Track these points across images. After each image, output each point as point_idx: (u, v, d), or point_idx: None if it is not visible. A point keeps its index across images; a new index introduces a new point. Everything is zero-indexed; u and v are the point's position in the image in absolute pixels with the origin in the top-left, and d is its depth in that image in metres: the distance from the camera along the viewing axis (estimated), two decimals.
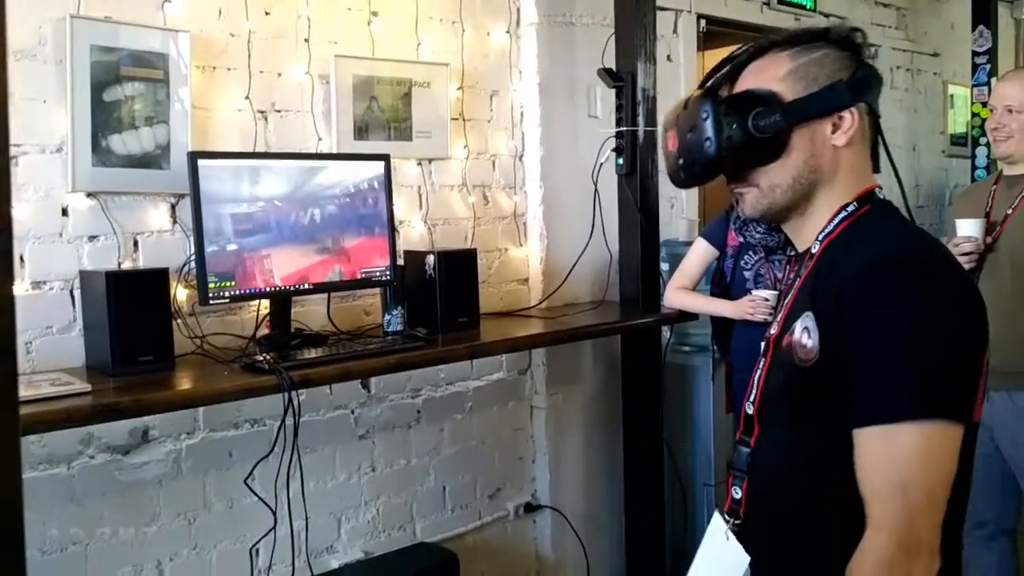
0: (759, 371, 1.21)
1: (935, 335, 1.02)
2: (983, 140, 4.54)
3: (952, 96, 5.04)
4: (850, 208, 1.15)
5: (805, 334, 1.10)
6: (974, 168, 4.74)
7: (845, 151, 1.15)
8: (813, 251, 1.16)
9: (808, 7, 3.90)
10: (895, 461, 0.99)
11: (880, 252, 1.08)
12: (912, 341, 1.01)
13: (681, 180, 1.22)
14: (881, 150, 1.21)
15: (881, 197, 1.18)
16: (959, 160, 5.03)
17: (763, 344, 1.22)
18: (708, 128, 1.15)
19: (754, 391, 1.21)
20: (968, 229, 2.51)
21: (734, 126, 1.14)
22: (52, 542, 2.06)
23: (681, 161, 1.19)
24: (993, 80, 4.47)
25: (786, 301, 1.21)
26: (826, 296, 1.09)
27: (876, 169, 1.20)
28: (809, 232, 1.19)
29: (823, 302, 1.09)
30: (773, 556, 1.16)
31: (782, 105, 1.13)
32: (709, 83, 1.21)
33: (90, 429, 2.08)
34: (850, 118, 1.13)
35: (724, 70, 1.21)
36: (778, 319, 1.20)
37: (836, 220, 1.15)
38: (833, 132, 1.14)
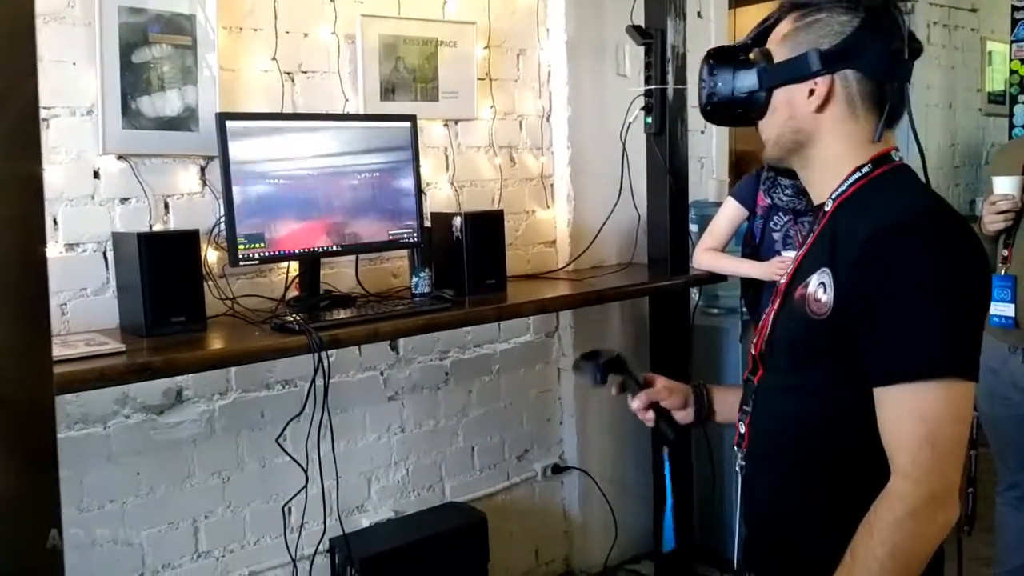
0: (767, 316, 1.29)
1: (956, 296, 1.07)
2: (1021, 98, 4.43)
3: (990, 53, 4.91)
4: (864, 169, 1.19)
5: (821, 288, 1.15)
6: (1012, 127, 4.64)
7: (825, 116, 1.19)
8: (826, 208, 1.21)
9: None
10: (924, 417, 1.05)
11: (896, 216, 1.12)
12: (936, 302, 1.06)
13: (706, 116, 1.33)
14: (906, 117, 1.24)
15: (898, 159, 1.21)
16: (997, 119, 4.91)
17: (773, 292, 1.30)
18: (701, 82, 1.28)
19: (760, 334, 1.30)
20: (1006, 186, 2.46)
21: (718, 83, 1.25)
22: (89, 499, 2.11)
23: (703, 102, 1.30)
24: None
25: (798, 253, 1.27)
26: (844, 254, 1.13)
27: (877, 137, 1.21)
28: (818, 188, 1.25)
29: (841, 260, 1.13)
30: (768, 489, 1.27)
31: (762, 68, 1.22)
32: (745, 38, 1.29)
33: (125, 389, 2.12)
34: (822, 86, 1.18)
35: (764, 25, 1.28)
36: (789, 270, 1.27)
37: (849, 180, 1.19)
38: (808, 97, 1.19)
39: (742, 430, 1.30)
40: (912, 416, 1.05)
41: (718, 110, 1.27)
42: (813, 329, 1.16)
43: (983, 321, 1.12)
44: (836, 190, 1.20)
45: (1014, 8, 4.47)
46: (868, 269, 1.09)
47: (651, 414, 1.43)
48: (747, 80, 1.23)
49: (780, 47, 1.22)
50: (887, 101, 1.19)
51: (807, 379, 1.20)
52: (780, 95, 1.21)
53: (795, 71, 1.19)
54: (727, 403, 1.45)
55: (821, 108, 1.18)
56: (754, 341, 1.32)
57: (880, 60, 1.18)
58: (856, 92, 1.18)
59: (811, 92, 1.18)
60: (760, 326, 1.32)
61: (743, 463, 1.31)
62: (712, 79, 1.25)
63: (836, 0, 1.19)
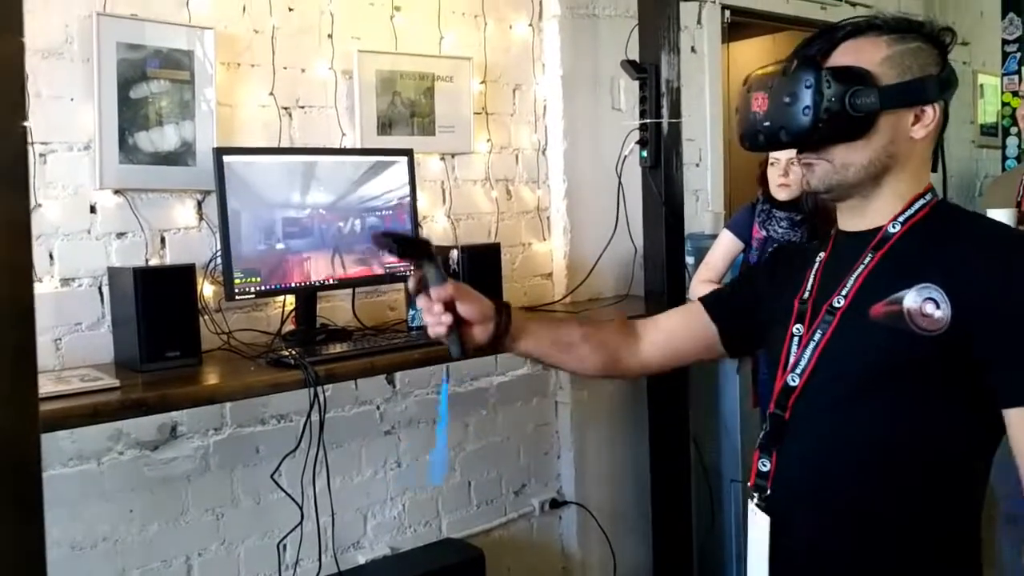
0: (809, 342, 1.22)
1: None
2: (1013, 130, 4.47)
3: (982, 86, 4.95)
4: (927, 197, 1.22)
5: (930, 304, 1.12)
6: (1004, 158, 4.67)
7: (920, 144, 1.20)
8: (892, 230, 1.20)
9: None
10: None
11: (1006, 231, 1.17)
12: None
13: (758, 143, 1.23)
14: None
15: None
16: (989, 150, 4.95)
17: (807, 313, 1.25)
18: (807, 97, 1.16)
19: (803, 362, 1.22)
20: (999, 219, 2.47)
21: (832, 99, 1.15)
22: (83, 537, 2.08)
23: (767, 124, 1.20)
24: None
25: (857, 274, 1.21)
26: (961, 271, 1.12)
27: (935, 168, 1.25)
28: (872, 214, 1.22)
29: (958, 276, 1.12)
30: (819, 533, 1.20)
31: (878, 87, 1.16)
32: (805, 53, 1.22)
33: (119, 425, 2.10)
34: (932, 113, 1.18)
35: (820, 42, 1.23)
36: (846, 293, 1.21)
37: (916, 205, 1.21)
38: (914, 124, 1.18)
39: (765, 467, 1.23)
40: None
41: (825, 127, 1.17)
42: (921, 345, 1.12)
43: None
44: (903, 213, 1.21)
45: (1004, 42, 4.53)
46: (1014, 287, 1.09)
47: (448, 317, 1.28)
48: (866, 99, 1.16)
49: (884, 68, 1.17)
50: (943, 131, 1.24)
51: (897, 401, 1.15)
52: (887, 118, 1.18)
53: (912, 95, 1.18)
54: (535, 335, 1.39)
55: (925, 136, 1.19)
56: (795, 371, 1.23)
57: (953, 95, 1.23)
58: (940, 123, 1.22)
59: (916, 118, 1.19)
60: (793, 355, 1.24)
61: (764, 503, 1.23)
62: (827, 93, 1.16)
63: (923, 33, 1.21)
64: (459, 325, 1.31)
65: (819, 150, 1.20)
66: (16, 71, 0.46)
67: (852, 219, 1.26)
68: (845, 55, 1.20)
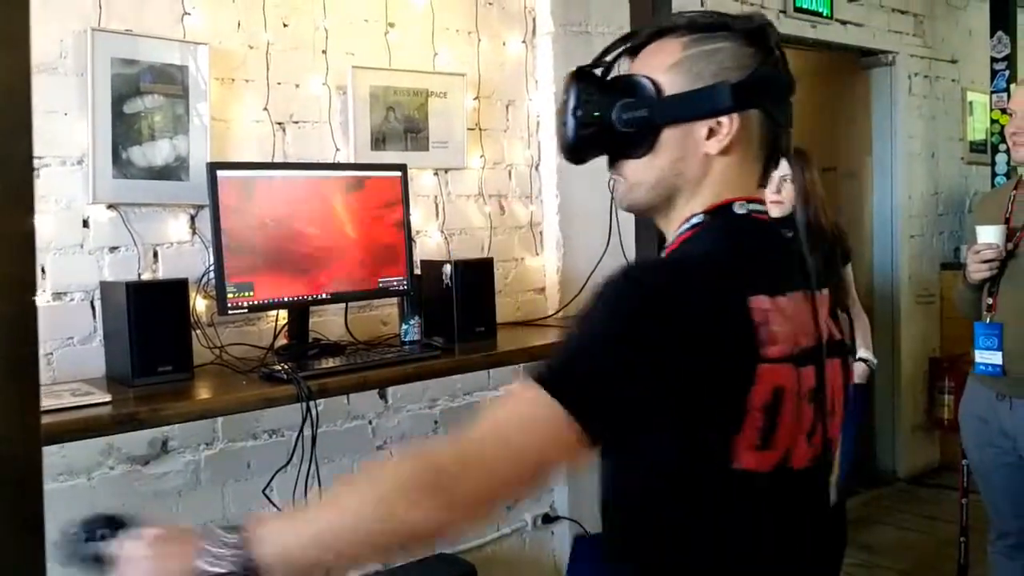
0: None
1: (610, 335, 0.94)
2: (1002, 147, 4.50)
3: (971, 103, 5.00)
4: (695, 219, 1.05)
5: None
6: (994, 175, 4.70)
7: (718, 159, 1.04)
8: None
9: (825, 14, 3.88)
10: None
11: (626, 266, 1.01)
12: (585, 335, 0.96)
13: (563, 156, 1.15)
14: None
15: (744, 212, 1.05)
16: (979, 167, 4.98)
17: None
18: (568, 111, 1.06)
19: None
20: (989, 236, 2.48)
21: (595, 114, 1.05)
22: None
23: (556, 139, 1.11)
24: (1012, 86, 4.43)
25: None
26: None
27: (763, 183, 1.08)
28: (671, 237, 1.10)
29: None
30: None
31: (655, 100, 1.03)
32: (602, 58, 1.11)
33: (110, 439, 2.09)
34: (728, 124, 1.02)
35: (623, 46, 1.11)
36: None
37: (680, 230, 1.07)
38: (708, 137, 1.03)
39: None
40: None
41: (589, 146, 1.08)
42: None
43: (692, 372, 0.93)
44: (668, 241, 1.08)
45: (993, 60, 4.57)
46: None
47: None
48: (635, 112, 1.03)
49: (671, 75, 1.03)
50: (779, 146, 1.07)
51: None
52: (671, 133, 1.03)
53: (698, 106, 1.02)
54: None
55: (725, 150, 1.03)
56: None
57: (779, 102, 1.06)
58: (755, 135, 1.05)
59: (711, 131, 1.03)
60: None
61: None
62: (586, 107, 1.05)
63: (732, 29, 1.04)
64: None
65: (615, 167, 1.10)
66: (22, 93, 0.47)
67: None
68: (640, 62, 1.08)
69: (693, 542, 1.00)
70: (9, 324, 0.44)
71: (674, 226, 1.08)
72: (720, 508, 0.98)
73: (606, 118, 1.05)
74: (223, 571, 0.86)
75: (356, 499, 0.91)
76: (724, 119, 1.02)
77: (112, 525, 0.99)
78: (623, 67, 1.12)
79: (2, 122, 0.44)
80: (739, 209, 1.05)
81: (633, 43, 1.10)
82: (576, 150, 1.09)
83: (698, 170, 1.05)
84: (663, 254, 1.09)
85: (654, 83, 1.03)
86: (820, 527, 1.08)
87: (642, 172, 1.07)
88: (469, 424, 0.92)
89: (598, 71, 1.11)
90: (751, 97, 1.02)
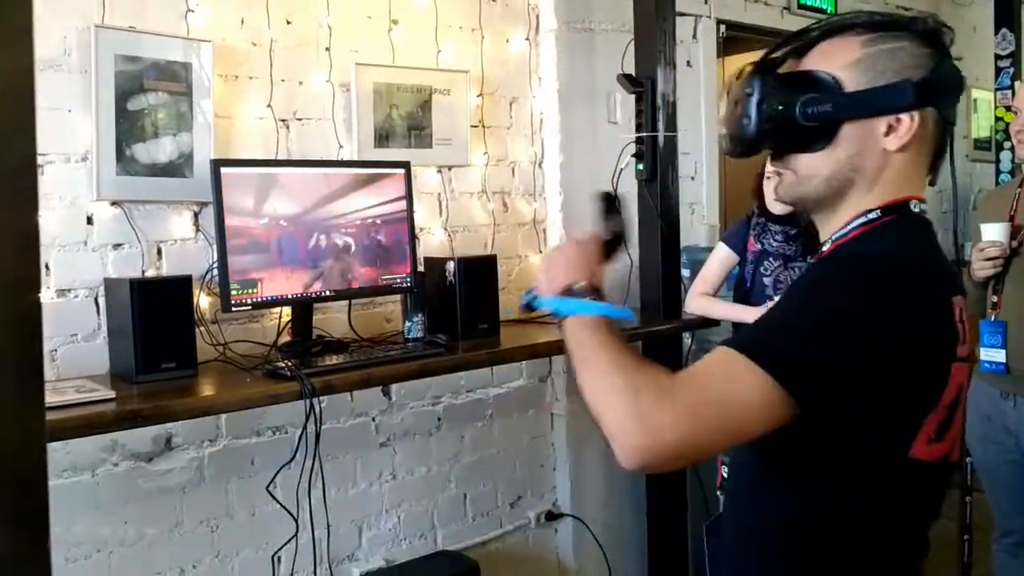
0: None
1: (830, 317, 0.98)
2: (1007, 144, 4.49)
3: (975, 100, 4.99)
4: (872, 215, 1.08)
5: None
6: (998, 172, 4.69)
7: (896, 156, 1.06)
8: (823, 250, 1.13)
9: (829, 11, 3.87)
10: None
11: (841, 254, 1.08)
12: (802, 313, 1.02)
13: (723, 150, 1.19)
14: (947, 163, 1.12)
15: (917, 211, 1.09)
16: (983, 164, 4.97)
17: None
18: (751, 104, 1.08)
19: None
20: (993, 233, 2.48)
21: (779, 107, 1.06)
22: (76, 549, 2.07)
23: (724, 131, 1.14)
24: (1017, 83, 4.42)
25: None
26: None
27: (932, 182, 1.12)
28: (831, 228, 1.13)
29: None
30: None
31: (838, 95, 1.05)
32: (772, 55, 1.14)
33: (114, 436, 2.10)
34: (908, 122, 1.04)
35: (793, 44, 1.13)
36: None
37: (853, 224, 1.09)
38: (887, 134, 1.05)
39: (725, 473, 1.26)
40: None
41: (769, 137, 1.09)
42: None
43: (891, 368, 0.97)
44: (837, 231, 1.10)
45: (997, 57, 4.56)
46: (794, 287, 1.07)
47: None
48: (819, 107, 1.05)
49: (852, 72, 1.05)
50: (947, 144, 1.10)
51: None
52: (851, 128, 1.05)
53: (881, 102, 1.04)
54: None
55: (902, 148, 1.05)
56: None
57: (952, 101, 1.09)
58: (930, 132, 1.07)
59: (889, 128, 1.05)
60: None
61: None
62: (771, 99, 1.07)
63: (911, 30, 1.07)
64: None
65: (783, 160, 1.12)
66: (25, 85, 0.47)
67: (823, 234, 1.16)
68: (815, 58, 1.10)
69: (859, 524, 1.04)
70: (14, 322, 0.44)
71: (841, 221, 1.10)
72: (890, 493, 1.04)
73: (789, 112, 1.06)
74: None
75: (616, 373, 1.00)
76: (904, 116, 1.04)
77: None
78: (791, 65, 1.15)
79: (5, 120, 0.44)
80: (915, 208, 1.09)
81: (805, 40, 1.12)
82: (754, 143, 1.11)
83: (874, 166, 1.07)
84: (830, 246, 1.11)
85: (835, 79, 1.06)
86: (937, 514, 1.15)
87: (817, 166, 1.08)
88: (676, 380, 0.98)
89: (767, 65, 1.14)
90: (930, 96, 1.05)
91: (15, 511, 0.45)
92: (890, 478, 1.03)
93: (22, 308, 0.46)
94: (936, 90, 1.06)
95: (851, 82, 1.05)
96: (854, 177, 1.08)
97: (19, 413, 0.45)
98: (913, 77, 1.04)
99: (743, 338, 1.01)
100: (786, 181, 1.13)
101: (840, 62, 1.07)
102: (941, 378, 1.00)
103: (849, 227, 1.09)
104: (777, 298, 2.59)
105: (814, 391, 0.95)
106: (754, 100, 1.08)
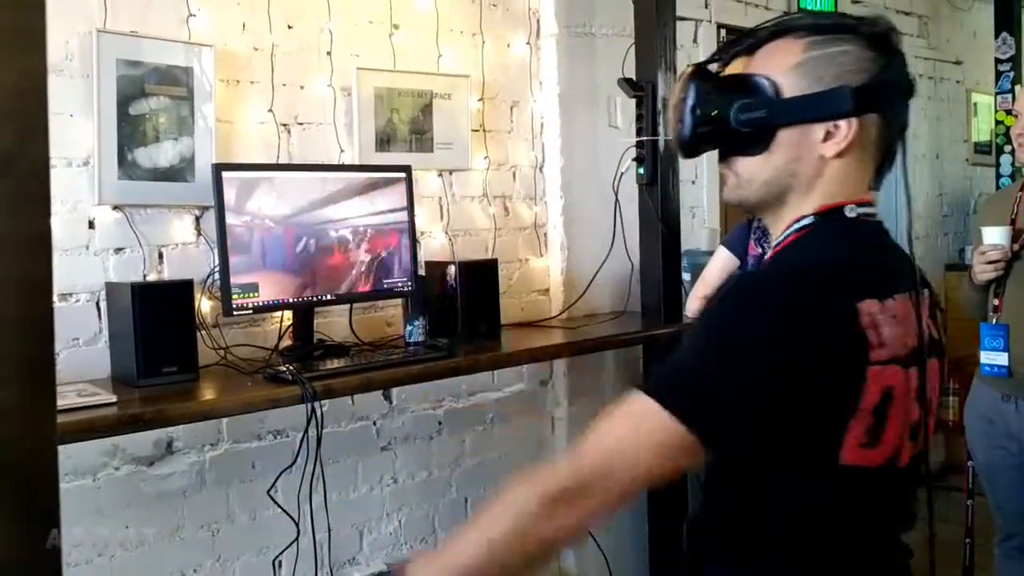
0: None
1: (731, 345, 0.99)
2: (1007, 148, 4.50)
3: (975, 104, 4.99)
4: (805, 221, 1.07)
5: None
6: (999, 176, 4.70)
7: (834, 162, 1.05)
8: (765, 258, 1.13)
9: None
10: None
11: (755, 274, 1.10)
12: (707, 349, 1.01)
13: (673, 150, 1.20)
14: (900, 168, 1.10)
15: (853, 215, 1.07)
16: (983, 168, 4.98)
17: None
18: (686, 108, 1.08)
19: None
20: (994, 237, 2.48)
21: (713, 112, 1.06)
22: (77, 553, 2.07)
23: (671, 133, 1.17)
24: (1017, 87, 4.43)
25: None
26: None
27: (875, 186, 1.10)
28: (775, 236, 1.13)
29: None
30: None
31: (773, 100, 1.04)
32: (717, 57, 1.14)
33: (115, 440, 2.10)
34: (846, 128, 1.03)
35: (745, 43, 1.12)
36: None
37: (789, 231, 1.09)
38: (824, 140, 1.04)
39: None
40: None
41: (704, 142, 1.10)
42: None
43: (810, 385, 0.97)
44: (777, 239, 1.10)
45: (998, 61, 4.57)
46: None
47: None
48: (753, 113, 1.05)
49: (791, 77, 1.04)
50: (894, 151, 1.08)
51: None
52: (788, 133, 1.05)
53: (817, 108, 1.03)
54: None
55: (841, 153, 1.04)
56: None
57: (899, 107, 1.07)
58: (873, 138, 1.06)
59: (827, 134, 1.04)
60: None
61: None
62: (705, 104, 1.07)
63: (857, 33, 1.05)
64: None
65: (726, 162, 1.11)
66: (38, 89, 0.47)
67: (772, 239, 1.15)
68: (760, 60, 1.09)
69: (806, 533, 1.04)
70: (26, 324, 0.44)
71: (783, 225, 1.10)
72: (829, 501, 1.03)
73: (724, 116, 1.06)
74: None
75: (494, 523, 1.00)
76: (842, 123, 1.03)
77: None
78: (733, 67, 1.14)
79: (19, 123, 0.44)
80: (850, 213, 1.07)
81: (752, 42, 1.11)
82: (691, 146, 1.11)
83: (812, 171, 1.06)
84: (769, 253, 1.12)
85: (774, 84, 1.05)
86: (908, 518, 1.14)
87: (755, 170, 1.08)
88: (585, 437, 1.01)
89: (713, 67, 1.13)
90: (871, 102, 1.04)
91: (27, 512, 0.45)
92: (824, 484, 1.02)
93: (35, 310, 0.46)
94: (879, 96, 1.04)
95: (789, 87, 1.04)
96: (792, 182, 1.07)
97: (31, 414, 0.45)
98: (853, 83, 1.03)
99: (655, 380, 1.02)
100: (729, 183, 1.13)
101: (781, 66, 1.06)
102: (850, 387, 0.98)
103: (785, 233, 1.09)
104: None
105: (721, 434, 0.97)
106: (689, 104, 1.08)
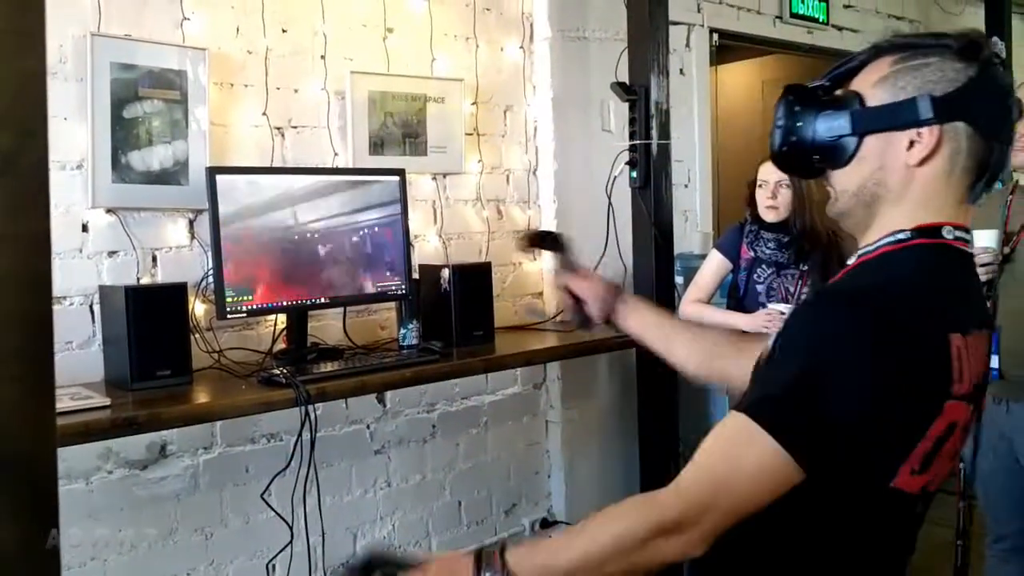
0: None
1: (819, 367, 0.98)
2: None
3: None
4: (901, 235, 1.06)
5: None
6: None
7: (920, 171, 1.05)
8: (849, 263, 1.12)
9: (821, 20, 3.90)
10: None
11: (838, 287, 1.08)
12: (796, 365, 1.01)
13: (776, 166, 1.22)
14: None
15: (952, 238, 1.06)
16: None
17: None
18: (778, 122, 1.13)
19: None
20: (985, 240, 2.49)
21: (799, 124, 1.10)
22: (71, 557, 2.06)
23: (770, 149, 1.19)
24: None
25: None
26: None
27: (972, 200, 1.10)
28: (865, 242, 1.12)
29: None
30: None
31: (856, 111, 1.07)
32: (820, 80, 1.16)
33: (109, 444, 2.09)
34: (929, 136, 1.03)
35: (839, 70, 1.15)
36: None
37: (880, 242, 1.08)
38: (909, 148, 1.04)
39: None
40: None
41: (794, 154, 1.12)
42: None
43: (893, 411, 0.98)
44: (864, 247, 1.10)
45: None
46: (789, 327, 1.04)
47: (568, 298, 1.51)
48: (835, 123, 1.08)
49: (876, 90, 1.07)
50: (991, 163, 1.06)
51: None
52: (872, 143, 1.06)
53: (898, 117, 1.04)
54: (641, 316, 1.50)
55: (923, 161, 1.04)
56: None
57: (993, 116, 1.06)
58: (963, 148, 1.05)
59: (911, 143, 1.04)
60: None
61: None
62: (791, 119, 1.11)
63: (944, 45, 1.06)
64: (579, 303, 1.51)
65: (825, 178, 1.14)
66: (37, 90, 0.47)
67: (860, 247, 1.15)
68: (855, 81, 1.11)
69: (835, 551, 1.05)
70: (26, 324, 0.45)
71: (875, 236, 1.10)
72: (867, 522, 1.04)
73: (807, 129, 1.10)
74: None
75: (597, 537, 1.01)
76: (924, 131, 1.04)
77: (385, 564, 1.17)
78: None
79: (20, 124, 0.44)
80: (948, 235, 1.07)
81: (849, 66, 1.13)
82: (784, 158, 1.15)
83: (899, 181, 1.06)
84: (854, 260, 1.11)
85: (859, 97, 1.08)
86: (914, 542, 1.14)
87: (845, 181, 1.10)
88: (692, 463, 1.01)
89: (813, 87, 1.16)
90: (955, 110, 1.03)
91: (26, 509, 0.45)
92: (865, 505, 1.03)
93: (34, 309, 0.47)
94: (963, 104, 1.04)
95: (873, 98, 1.07)
96: (879, 191, 1.08)
97: (33, 411, 0.45)
98: (936, 92, 1.04)
99: (755, 406, 1.00)
100: (830, 199, 1.15)
101: (868, 82, 1.09)
102: (927, 417, 0.99)
103: (877, 244, 1.08)
104: (771, 306, 2.61)
105: (820, 456, 0.97)
106: (781, 117, 1.13)
